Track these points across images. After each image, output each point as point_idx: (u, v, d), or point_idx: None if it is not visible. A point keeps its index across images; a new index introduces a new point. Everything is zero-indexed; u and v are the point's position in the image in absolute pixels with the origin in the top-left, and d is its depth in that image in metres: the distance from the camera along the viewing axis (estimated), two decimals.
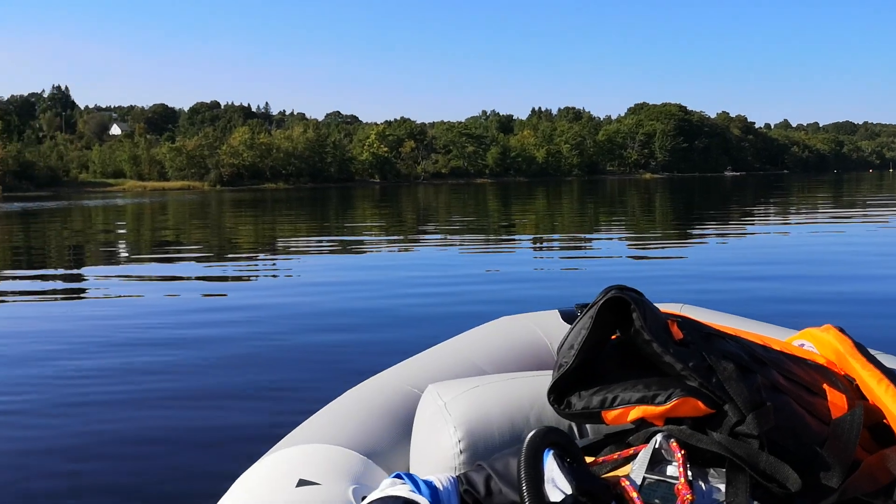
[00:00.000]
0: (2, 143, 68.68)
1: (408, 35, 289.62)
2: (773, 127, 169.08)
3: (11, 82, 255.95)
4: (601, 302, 1.30)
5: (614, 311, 1.31)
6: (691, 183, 62.99)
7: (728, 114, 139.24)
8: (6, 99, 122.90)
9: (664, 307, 1.59)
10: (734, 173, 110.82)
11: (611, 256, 10.85)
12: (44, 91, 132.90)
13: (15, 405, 4.00)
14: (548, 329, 2.14)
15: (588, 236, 14.38)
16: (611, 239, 13.87)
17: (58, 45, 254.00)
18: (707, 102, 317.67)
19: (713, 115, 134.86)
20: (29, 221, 23.40)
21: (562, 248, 12.15)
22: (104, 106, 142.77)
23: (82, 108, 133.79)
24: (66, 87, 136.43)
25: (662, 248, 12.08)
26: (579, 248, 12.20)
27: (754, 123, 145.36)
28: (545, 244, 12.97)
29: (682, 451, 1.15)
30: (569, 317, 2.08)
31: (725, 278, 8.18)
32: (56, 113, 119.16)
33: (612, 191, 45.14)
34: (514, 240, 13.87)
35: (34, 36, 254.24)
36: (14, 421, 3.77)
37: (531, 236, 14.58)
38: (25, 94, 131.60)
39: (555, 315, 2.19)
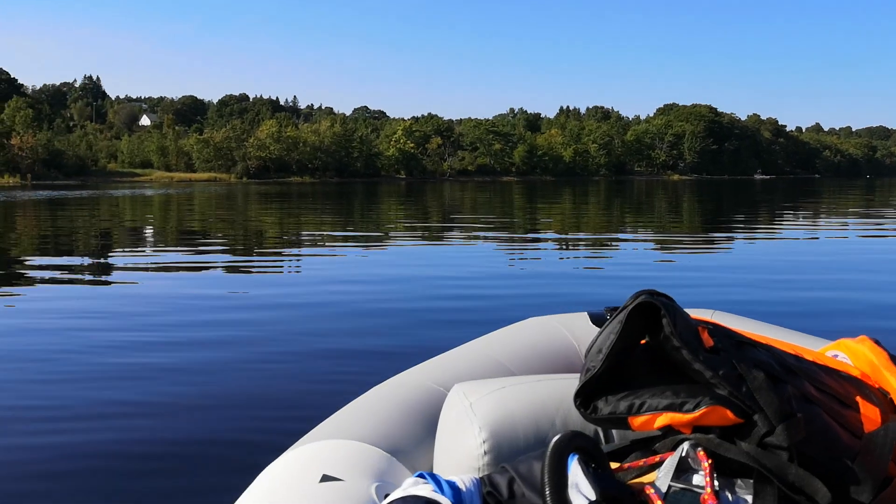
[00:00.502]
0: (31, 131, 69.51)
1: (438, 32, 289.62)
2: (804, 130, 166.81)
3: (44, 72, 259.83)
4: (631, 307, 1.28)
5: (644, 316, 1.29)
6: (720, 185, 62.33)
7: (759, 116, 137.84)
8: (38, 88, 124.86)
9: (695, 313, 1.54)
10: (764, 176, 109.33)
11: (639, 259, 10.65)
12: (75, 81, 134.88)
13: (32, 401, 3.90)
14: (576, 331, 2.13)
15: (616, 237, 14.22)
16: (638, 240, 13.66)
17: (90, 35, 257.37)
18: (738, 104, 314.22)
19: (744, 118, 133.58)
20: (56, 210, 23.50)
21: (589, 249, 11.99)
22: (135, 97, 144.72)
23: (113, 98, 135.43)
24: (98, 78, 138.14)
25: (691, 251, 11.92)
26: (607, 248, 12.02)
27: (785, 126, 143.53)
28: (571, 245, 12.82)
29: (710, 461, 1.13)
30: (598, 319, 2.04)
31: (755, 285, 7.91)
32: (87, 103, 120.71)
33: (640, 191, 44.70)
34: (540, 239, 13.73)
35: (67, 26, 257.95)
36: (31, 416, 3.67)
37: (558, 236, 14.44)
38: (57, 83, 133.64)
39: (583, 317, 2.17)
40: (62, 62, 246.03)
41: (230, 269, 9.30)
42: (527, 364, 1.96)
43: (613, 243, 13.01)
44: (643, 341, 1.37)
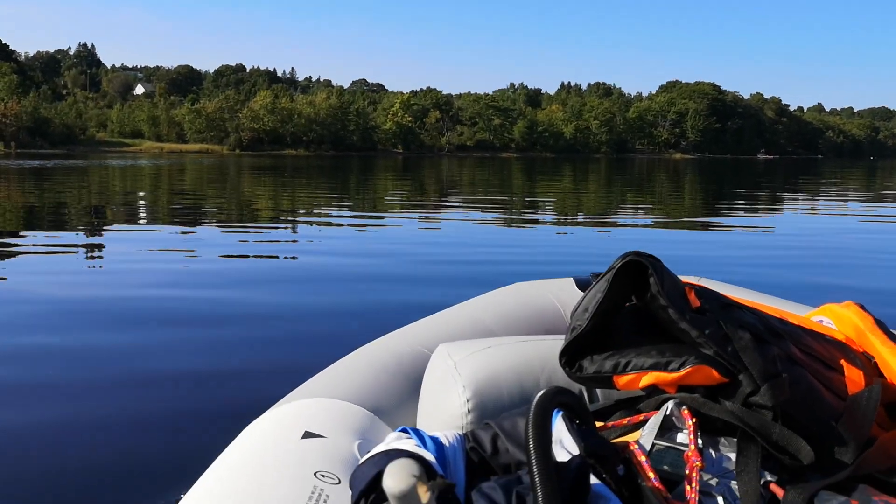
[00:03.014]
0: (17, 98, 67.85)
1: (439, 4, 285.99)
2: (806, 110, 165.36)
3: (38, 39, 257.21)
4: (619, 265, 1.30)
5: (631, 277, 1.31)
6: (723, 165, 61.82)
7: (762, 95, 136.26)
8: (32, 55, 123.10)
9: (682, 279, 1.46)
10: (767, 156, 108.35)
11: (637, 236, 10.15)
12: (70, 49, 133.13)
13: (19, 377, 3.58)
14: (561, 296, 2.13)
15: (615, 214, 13.65)
16: (637, 217, 13.26)
17: (86, 2, 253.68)
18: (741, 82, 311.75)
19: (747, 96, 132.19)
20: (41, 180, 22.52)
21: (585, 225, 11.54)
22: (130, 66, 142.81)
23: (108, 67, 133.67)
24: (93, 46, 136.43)
25: (690, 228, 11.59)
26: (604, 225, 11.59)
27: (789, 106, 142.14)
28: (569, 220, 12.42)
29: (694, 419, 1.15)
30: (583, 284, 2.01)
31: (750, 262, 7.56)
32: (81, 71, 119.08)
33: (642, 170, 44.02)
34: (538, 214, 13.17)
35: None
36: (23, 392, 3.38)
37: (555, 213, 13.86)
38: (52, 51, 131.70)
39: (569, 282, 2.17)
40: (57, 30, 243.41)
41: (220, 242, 8.82)
42: (511, 327, 1.96)
43: (611, 219, 12.64)
44: (629, 302, 1.38)
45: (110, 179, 23.83)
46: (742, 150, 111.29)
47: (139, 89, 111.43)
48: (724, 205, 16.83)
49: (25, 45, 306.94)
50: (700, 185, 26.45)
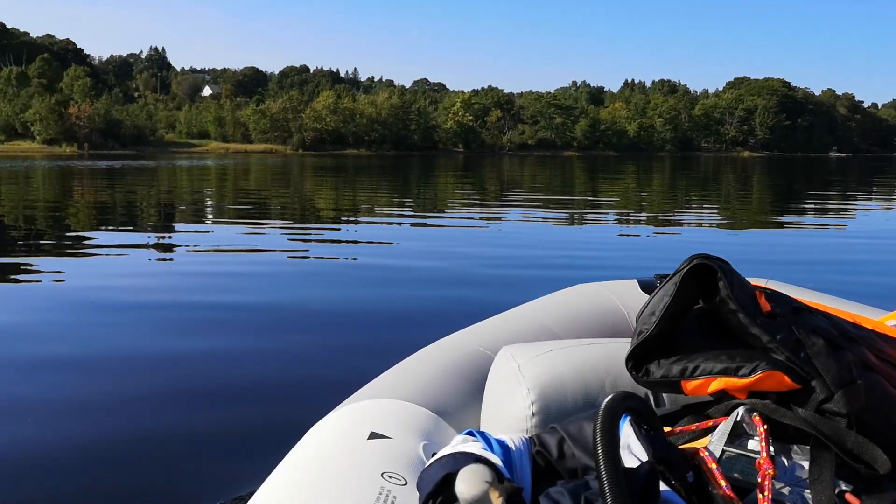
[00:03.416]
0: (90, 100, 69.97)
1: (500, 3, 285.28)
2: (881, 107, 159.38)
3: (112, 43, 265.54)
4: (686, 269, 1.28)
5: (699, 280, 1.29)
6: (793, 163, 60.08)
7: (834, 91, 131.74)
8: (105, 59, 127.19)
9: (750, 280, 1.45)
10: (839, 154, 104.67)
11: (702, 237, 9.96)
12: (142, 52, 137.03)
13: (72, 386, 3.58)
14: (625, 298, 2.10)
15: (679, 215, 13.34)
16: (702, 217, 12.98)
17: (157, 6, 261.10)
18: (812, 78, 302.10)
19: (818, 93, 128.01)
20: (113, 180, 23.25)
21: (649, 225, 11.37)
22: (199, 68, 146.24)
23: (178, 69, 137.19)
24: (163, 49, 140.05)
25: (758, 227, 11.40)
26: (668, 224, 11.47)
27: (862, 102, 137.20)
28: (631, 219, 12.26)
29: (765, 426, 1.13)
30: (647, 286, 1.89)
31: (821, 263, 7.44)
32: (152, 74, 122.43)
33: (708, 168, 43.09)
34: (599, 214, 13.00)
35: None
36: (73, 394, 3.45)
37: (617, 212, 13.68)
38: (124, 54, 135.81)
39: (633, 284, 2.07)
40: (129, 34, 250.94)
41: (284, 241, 9.01)
42: (574, 329, 1.93)
43: (676, 219, 12.48)
44: (696, 305, 1.35)
45: (178, 179, 24.47)
46: (813, 147, 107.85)
47: (207, 91, 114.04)
48: (794, 204, 16.36)
49: (100, 50, 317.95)
50: (769, 184, 25.77)
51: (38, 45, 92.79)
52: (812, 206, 15.85)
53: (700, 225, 11.63)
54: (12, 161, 39.26)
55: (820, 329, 1.25)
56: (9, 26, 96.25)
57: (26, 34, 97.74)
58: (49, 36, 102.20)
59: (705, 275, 1.27)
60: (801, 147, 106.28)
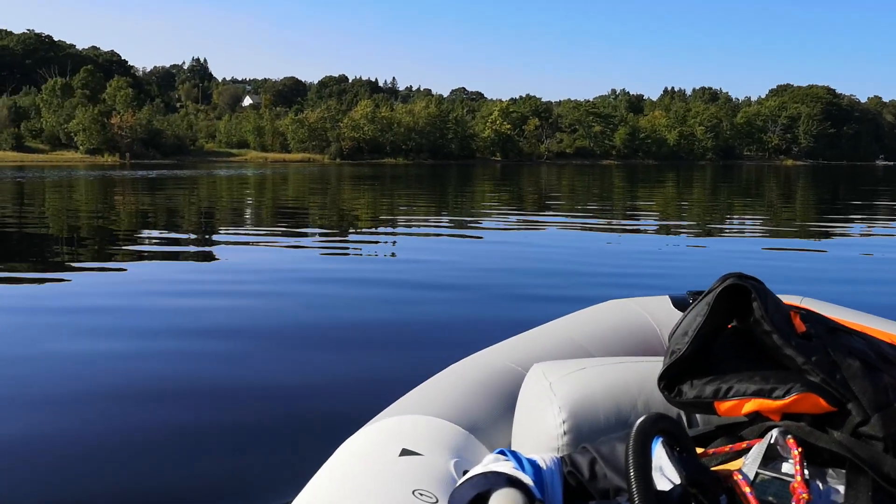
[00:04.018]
0: (131, 110, 71.30)
1: (539, 11, 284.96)
2: None
3: (155, 54, 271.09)
4: (719, 289, 1.27)
5: (732, 299, 1.28)
6: (838, 171, 58.87)
7: (881, 98, 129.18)
8: (149, 70, 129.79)
9: (784, 299, 1.46)
10: (886, 163, 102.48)
11: (742, 249, 9.70)
12: (184, 63, 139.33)
13: (115, 385, 3.65)
14: (657, 315, 2.07)
15: (720, 225, 13.07)
16: (745, 227, 12.67)
17: (200, 18, 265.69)
18: (857, 86, 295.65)
19: (864, 100, 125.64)
20: (153, 189, 23.64)
21: (690, 235, 11.10)
22: (240, 78, 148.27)
23: (219, 80, 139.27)
24: (205, 60, 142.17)
25: (801, 238, 11.08)
26: (709, 235, 11.24)
27: None
28: (672, 230, 11.95)
29: (800, 449, 1.11)
30: (680, 303, 1.96)
31: (865, 278, 7.16)
32: (194, 84, 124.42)
33: (750, 177, 42.39)
34: (638, 224, 12.76)
35: (179, 8, 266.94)
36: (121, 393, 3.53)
37: (657, 223, 13.43)
38: (167, 65, 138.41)
39: (665, 301, 2.09)
40: (173, 45, 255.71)
41: (321, 250, 9.15)
42: (606, 346, 1.92)
43: (717, 228, 12.29)
44: (730, 325, 1.35)
45: (216, 189, 24.70)
46: (859, 156, 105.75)
47: (247, 101, 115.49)
48: (839, 214, 15.90)
49: (143, 61, 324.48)
50: (813, 193, 25.17)
51: (84, 57, 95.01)
52: (858, 216, 15.40)
53: (742, 234, 11.39)
54: (53, 171, 40.19)
55: (856, 350, 1.23)
56: (56, 39, 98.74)
57: (72, 46, 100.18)
58: (94, 48, 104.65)
59: (739, 295, 1.25)
60: (846, 155, 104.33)
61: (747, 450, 1.18)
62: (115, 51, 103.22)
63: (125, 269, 7.48)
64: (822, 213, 16.21)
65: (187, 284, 6.61)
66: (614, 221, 13.31)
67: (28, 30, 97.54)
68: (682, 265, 8.01)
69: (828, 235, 11.38)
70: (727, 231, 11.97)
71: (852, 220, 14.13)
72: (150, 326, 4.80)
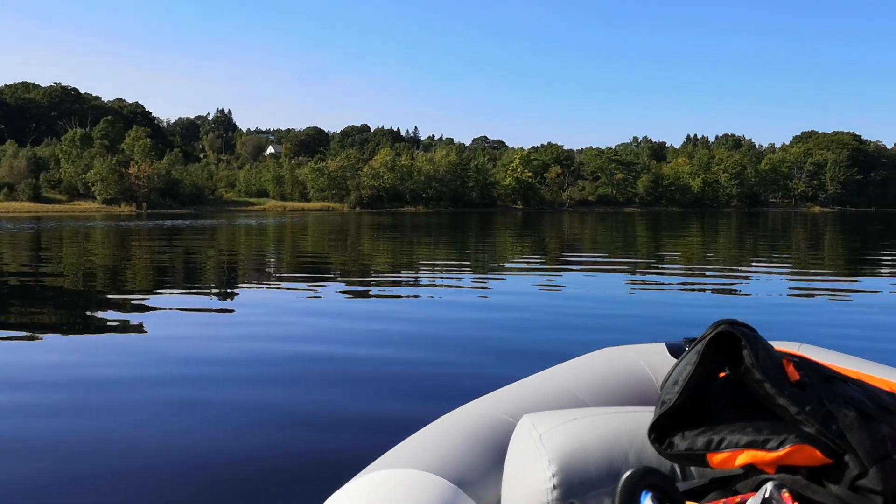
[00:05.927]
0: (149, 160, 71.86)
1: (560, 60, 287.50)
2: None
3: (180, 106, 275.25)
4: (709, 337, 1.24)
5: (724, 347, 1.25)
6: (867, 218, 57.66)
7: None
8: (173, 122, 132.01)
9: (781, 345, 1.45)
10: None
11: (766, 298, 9.06)
12: (209, 114, 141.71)
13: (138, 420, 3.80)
14: (653, 362, 2.08)
15: (745, 271, 12.45)
16: (772, 274, 12.07)
17: (224, 71, 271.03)
18: (884, 131, 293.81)
19: (891, 146, 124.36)
20: (171, 238, 23.15)
21: (710, 285, 10.43)
22: (264, 129, 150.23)
23: (244, 130, 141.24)
24: (229, 111, 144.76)
25: (825, 281, 10.87)
26: (734, 277, 11.06)
27: None
28: (696, 278, 11.30)
29: (796, 503, 1.09)
30: (676, 351, 1.89)
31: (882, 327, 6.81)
32: (217, 135, 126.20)
33: (776, 224, 41.41)
34: (660, 273, 11.92)
35: (206, 62, 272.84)
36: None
37: (680, 268, 12.83)
38: (192, 116, 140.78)
39: (661, 348, 2.09)
40: (197, 97, 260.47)
41: (338, 302, 8.95)
42: (600, 396, 1.91)
43: (742, 273, 12.06)
44: (722, 374, 1.32)
45: (237, 237, 24.25)
46: (888, 202, 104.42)
47: (270, 150, 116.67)
48: (868, 263, 15.08)
49: (168, 112, 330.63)
50: (841, 240, 24.26)
51: (108, 109, 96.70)
52: (889, 264, 14.59)
53: (768, 273, 10.76)
54: (62, 221, 40.06)
55: (852, 399, 1.19)
56: (82, 91, 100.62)
57: (97, 98, 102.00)
58: (119, 100, 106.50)
59: (730, 341, 1.22)
60: (874, 202, 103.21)
61: None
62: (140, 103, 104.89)
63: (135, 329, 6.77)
64: (850, 260, 15.41)
65: (204, 330, 6.38)
66: (638, 271, 12.55)
67: (55, 83, 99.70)
68: (693, 314, 7.50)
69: (854, 281, 10.81)
70: (754, 276, 11.33)
71: (882, 267, 13.28)
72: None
